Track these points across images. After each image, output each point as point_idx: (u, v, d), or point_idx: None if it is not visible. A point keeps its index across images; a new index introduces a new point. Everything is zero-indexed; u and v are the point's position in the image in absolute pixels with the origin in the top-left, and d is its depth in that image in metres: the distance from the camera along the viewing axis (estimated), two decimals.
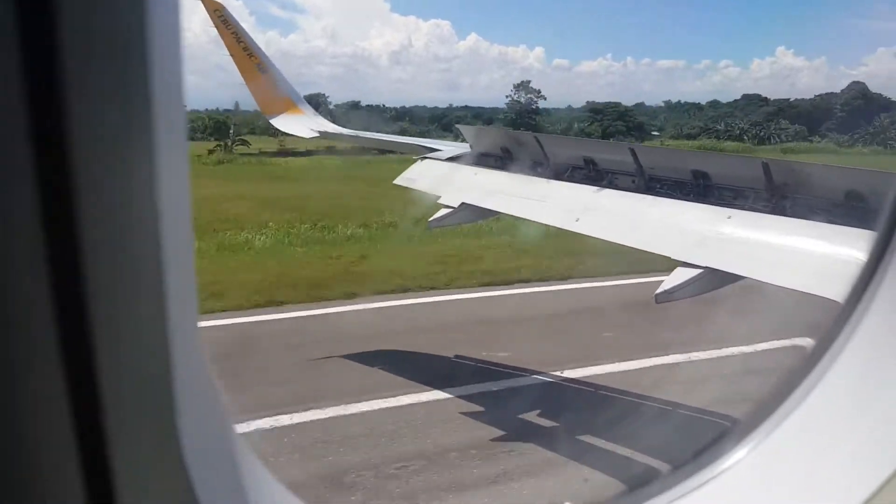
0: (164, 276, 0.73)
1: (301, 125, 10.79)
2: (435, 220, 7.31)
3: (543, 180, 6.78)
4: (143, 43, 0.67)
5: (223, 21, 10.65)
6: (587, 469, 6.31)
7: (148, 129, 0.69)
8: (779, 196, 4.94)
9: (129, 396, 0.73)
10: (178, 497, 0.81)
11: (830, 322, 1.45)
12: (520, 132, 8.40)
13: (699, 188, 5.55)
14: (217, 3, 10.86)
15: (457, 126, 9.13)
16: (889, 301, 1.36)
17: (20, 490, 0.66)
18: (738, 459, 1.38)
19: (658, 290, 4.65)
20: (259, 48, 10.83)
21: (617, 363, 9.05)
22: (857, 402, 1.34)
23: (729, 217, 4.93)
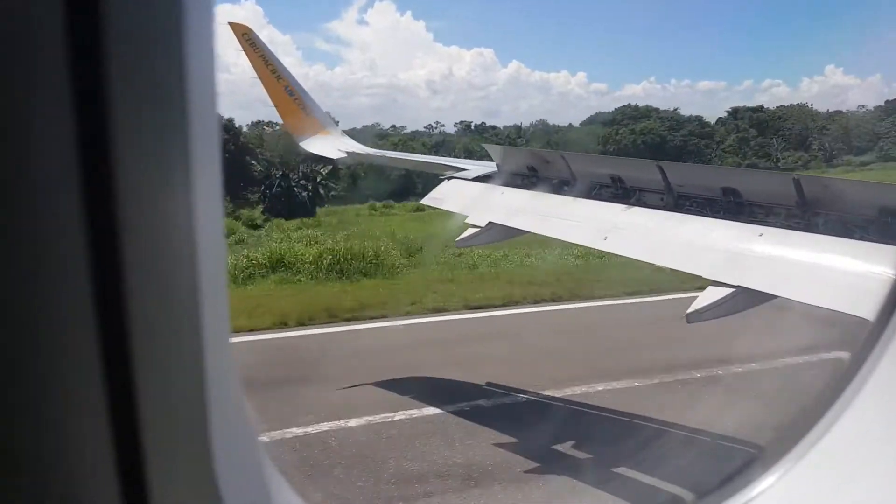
0: (199, 285, 0.74)
1: (329, 146, 10.92)
2: (462, 239, 7.32)
3: (570, 199, 6.76)
4: (180, 47, 0.68)
5: (251, 44, 10.84)
6: None
7: (185, 130, 0.70)
8: (811, 213, 4.87)
9: (164, 406, 0.75)
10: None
11: (861, 343, 1.41)
12: (546, 150, 8.41)
13: (729, 205, 5.49)
14: (245, 26, 11.07)
15: (483, 145, 9.14)
16: None
17: (61, 494, 0.68)
18: (767, 487, 1.34)
19: (689, 310, 4.60)
20: (288, 71, 11.01)
21: None
22: (891, 426, 1.31)
23: (760, 234, 4.86)
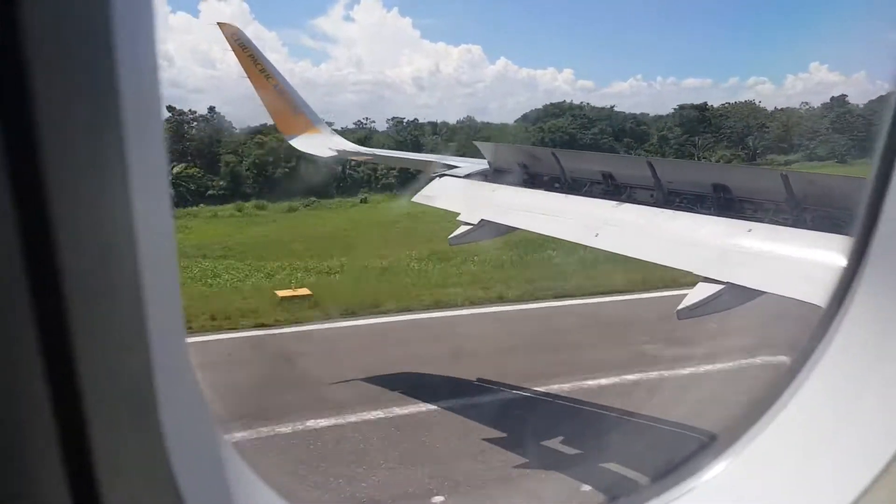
0: (142, 281, 0.73)
1: (320, 144, 10.89)
2: (455, 237, 7.33)
3: (562, 195, 6.79)
4: (110, 37, 0.66)
5: (240, 44, 10.81)
6: None
7: (117, 125, 0.68)
8: (800, 209, 4.91)
9: (111, 403, 0.74)
10: (164, 501, 0.81)
11: (811, 332, 1.45)
12: (537, 148, 8.44)
13: (719, 201, 5.54)
14: (233, 26, 11.04)
15: (475, 143, 9.15)
16: (865, 306, 1.36)
17: (6, 495, 0.67)
18: (720, 470, 1.38)
19: (680, 307, 4.63)
20: (277, 70, 10.97)
21: None
22: (837, 409, 1.33)
23: (749, 230, 4.91)
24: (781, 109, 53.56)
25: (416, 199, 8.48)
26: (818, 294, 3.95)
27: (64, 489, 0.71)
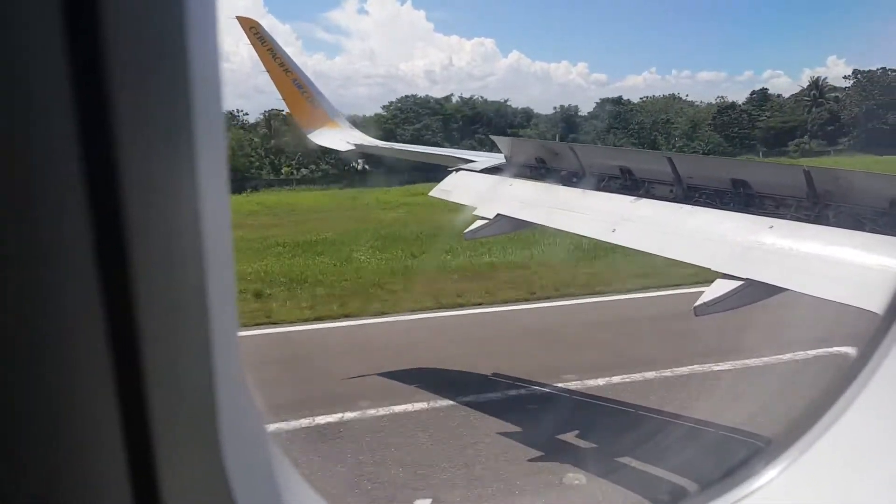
0: (206, 284, 0.74)
1: (338, 138, 10.91)
2: (470, 231, 7.30)
3: (579, 191, 6.73)
4: (183, 48, 0.68)
5: (259, 38, 10.85)
6: None
7: (189, 132, 0.70)
8: (822, 205, 4.83)
9: (173, 403, 0.75)
10: (217, 500, 0.82)
11: (869, 336, 1.40)
12: (555, 142, 8.38)
13: (739, 197, 5.45)
14: (253, 20, 11.07)
15: (491, 137, 9.12)
16: None
17: (71, 492, 0.68)
18: (771, 478, 1.35)
19: (697, 303, 4.57)
20: (295, 64, 11.00)
21: None
22: None
23: (770, 227, 4.82)
24: (691, 105, 53.46)
25: (433, 193, 8.46)
26: (841, 291, 3.89)
27: (127, 492, 0.72)
